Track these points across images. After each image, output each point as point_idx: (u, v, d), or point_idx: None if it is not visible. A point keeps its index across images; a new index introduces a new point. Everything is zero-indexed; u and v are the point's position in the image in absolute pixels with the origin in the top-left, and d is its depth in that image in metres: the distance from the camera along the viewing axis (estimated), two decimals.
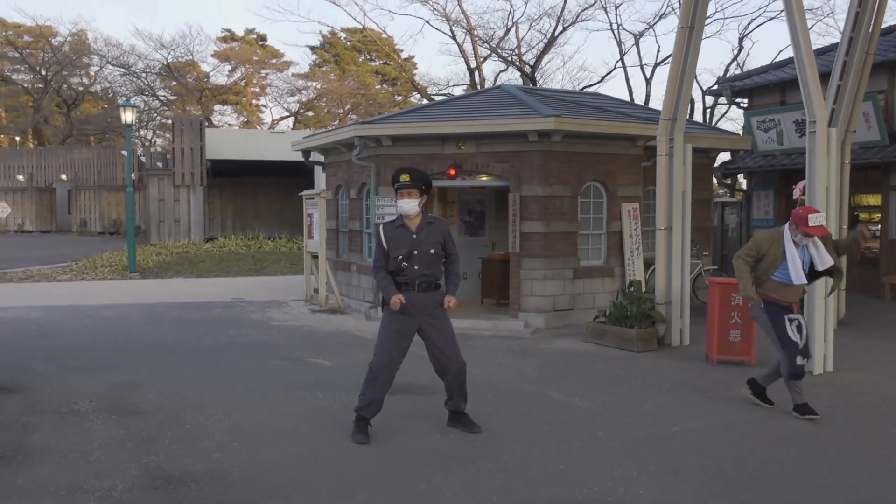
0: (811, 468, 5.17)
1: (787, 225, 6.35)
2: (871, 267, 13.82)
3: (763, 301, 6.39)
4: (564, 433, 5.88)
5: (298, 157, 15.51)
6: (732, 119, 43.61)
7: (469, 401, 5.98)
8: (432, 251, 5.69)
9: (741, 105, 17.04)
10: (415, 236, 5.66)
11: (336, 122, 42.21)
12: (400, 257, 5.61)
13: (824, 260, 6.23)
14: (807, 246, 6.26)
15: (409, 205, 5.67)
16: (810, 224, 6.11)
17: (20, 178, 36.54)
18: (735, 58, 29.69)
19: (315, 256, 13.44)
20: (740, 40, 29.31)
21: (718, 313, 8.47)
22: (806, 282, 6.29)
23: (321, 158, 14.85)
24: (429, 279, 5.67)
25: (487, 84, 30.07)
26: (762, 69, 16.99)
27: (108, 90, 46.54)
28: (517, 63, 30.86)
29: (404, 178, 5.69)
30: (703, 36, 9.66)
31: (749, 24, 29.71)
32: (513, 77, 31.77)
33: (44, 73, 44.28)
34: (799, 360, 6.24)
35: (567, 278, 11.10)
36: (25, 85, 46.15)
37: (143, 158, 33.06)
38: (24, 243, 28.32)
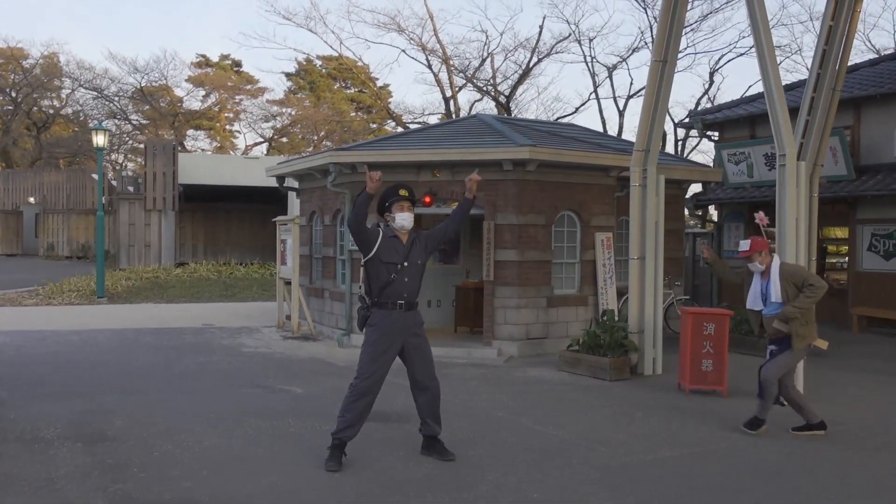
0: (788, 496, 5.19)
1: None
2: (840, 299, 14.05)
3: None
4: (539, 461, 5.85)
5: (272, 182, 15.45)
6: (703, 151, 44.53)
7: (443, 428, 5.93)
8: (419, 262, 5.71)
9: (712, 138, 17.35)
10: (406, 248, 5.65)
11: (310, 149, 42.19)
12: (394, 265, 5.54)
13: (771, 293, 6.75)
14: (768, 277, 6.75)
15: (409, 219, 5.68)
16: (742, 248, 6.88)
17: None
18: (706, 91, 30.34)
19: (288, 282, 13.34)
20: (711, 75, 29.84)
21: (691, 343, 8.53)
22: (760, 307, 6.86)
23: (295, 184, 14.81)
24: (413, 297, 5.66)
25: (462, 113, 30.31)
26: (732, 103, 17.35)
27: (80, 113, 46.13)
28: (492, 93, 31.18)
29: (404, 192, 5.68)
30: (676, 70, 9.84)
31: (720, 59, 30.47)
32: (488, 107, 32.09)
33: (14, 94, 43.78)
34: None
35: (541, 307, 11.13)
36: None
37: (114, 182, 32.71)
38: None
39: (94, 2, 67.75)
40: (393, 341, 5.60)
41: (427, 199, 11.13)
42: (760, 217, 7.39)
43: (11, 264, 30.01)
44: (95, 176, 26.53)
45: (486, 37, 40.63)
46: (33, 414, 7.06)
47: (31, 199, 35.90)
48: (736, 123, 16.18)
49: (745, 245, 6.87)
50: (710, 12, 31.23)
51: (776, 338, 6.75)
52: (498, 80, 31.15)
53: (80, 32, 67.24)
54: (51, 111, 46.35)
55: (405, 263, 5.59)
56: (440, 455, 5.80)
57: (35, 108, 45.28)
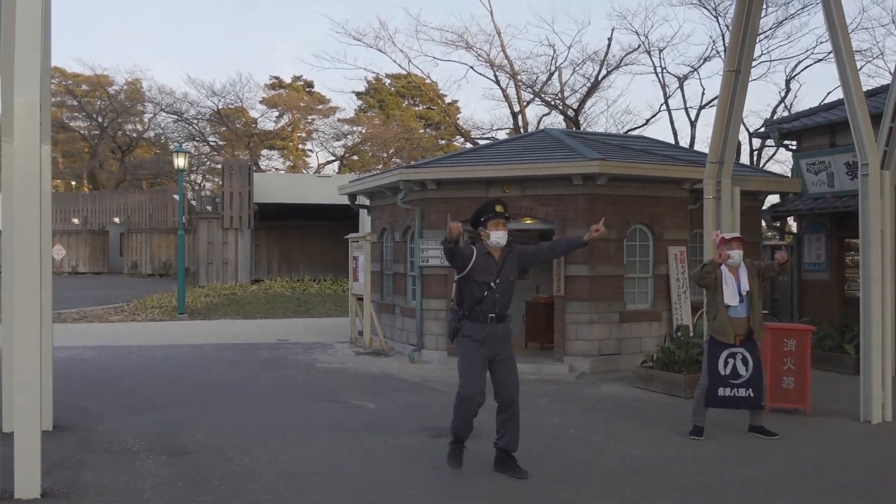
0: None
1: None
2: None
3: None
4: (612, 480, 5.76)
5: (343, 200, 15.74)
6: (780, 161, 43.15)
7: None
8: (512, 278, 5.78)
9: (790, 147, 16.82)
10: (499, 264, 5.69)
11: (380, 166, 42.78)
12: (487, 283, 5.59)
13: (742, 284, 6.93)
14: (738, 273, 6.96)
15: (505, 237, 5.73)
16: (721, 236, 7.18)
17: (75, 221, 37.70)
18: (782, 100, 29.40)
19: (360, 298, 13.54)
20: (787, 82, 28.91)
21: (770, 359, 8.26)
22: (736, 303, 6.91)
23: (367, 202, 15.05)
24: (504, 310, 5.71)
25: (531, 128, 30.24)
26: (811, 111, 16.80)
27: (161, 136, 48.02)
28: (560, 107, 31.02)
29: (500, 209, 5.73)
30: (750, 78, 9.62)
31: (796, 66, 29.32)
32: (556, 121, 31.93)
33: (100, 120, 45.93)
34: (721, 392, 6.90)
35: (613, 322, 10.98)
36: (82, 132, 47.86)
37: (193, 202, 33.88)
38: (78, 284, 29.05)
39: (174, 30, 70.65)
40: (485, 350, 5.65)
41: None
42: (716, 234, 7.59)
43: (98, 282, 31.35)
44: (176, 196, 27.53)
45: (554, 51, 40.34)
46: (120, 426, 7.36)
47: (116, 220, 37.49)
48: (815, 132, 15.66)
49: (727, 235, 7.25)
50: (786, 18, 30.31)
51: (743, 339, 6.94)
52: (566, 94, 30.99)
53: (162, 59, 70.15)
54: (134, 135, 48.41)
55: (497, 280, 5.64)
56: (513, 472, 5.77)
57: (120, 132, 47.38)
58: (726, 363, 6.91)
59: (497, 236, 5.69)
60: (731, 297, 6.94)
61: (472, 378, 5.61)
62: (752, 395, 6.91)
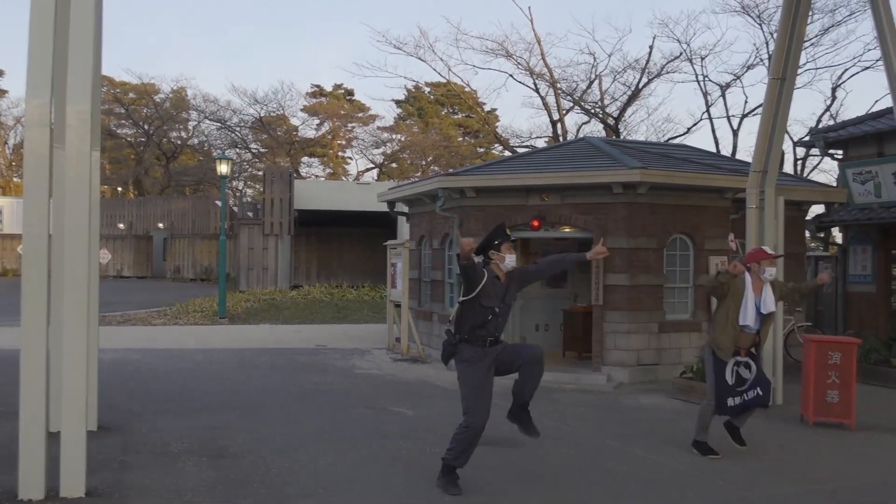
0: None
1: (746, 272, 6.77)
2: None
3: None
4: (652, 493, 5.70)
5: (382, 207, 15.86)
6: (825, 171, 42.37)
7: (551, 457, 5.86)
8: (512, 302, 5.83)
9: (835, 156, 16.49)
10: (505, 288, 5.67)
11: (419, 174, 43.02)
12: (493, 308, 5.56)
13: (767, 304, 6.66)
14: (763, 290, 6.67)
15: (514, 260, 5.76)
16: (767, 252, 6.92)
17: (121, 226, 38.56)
18: (828, 108, 28.82)
19: (397, 305, 13.61)
20: (833, 90, 28.32)
21: (814, 372, 8.10)
22: (752, 322, 6.64)
23: (405, 209, 15.13)
24: (500, 334, 5.68)
25: (570, 136, 30.12)
26: (857, 120, 16.45)
27: (204, 143, 48.95)
28: (600, 115, 30.85)
29: (510, 232, 5.81)
30: (795, 87, 9.48)
31: (842, 73, 28.75)
32: (595, 129, 31.75)
33: (146, 127, 46.98)
34: (730, 402, 6.62)
35: (652, 332, 10.87)
36: (129, 139, 49.02)
37: (234, 208, 34.40)
38: (122, 288, 29.69)
39: (219, 39, 72.00)
40: (487, 372, 5.57)
41: (535, 223, 11.13)
42: (732, 240, 7.32)
43: (142, 286, 31.99)
44: (219, 203, 28.02)
45: (594, 59, 40.08)
46: (162, 428, 7.49)
47: (160, 225, 38.26)
48: (861, 141, 15.34)
49: (770, 250, 7.09)
50: (832, 25, 29.58)
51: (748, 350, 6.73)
52: (606, 102, 30.82)
53: (206, 68, 71.52)
54: (178, 142, 49.44)
55: (501, 305, 5.62)
56: (525, 428, 5.70)
57: (165, 140, 48.42)
58: (732, 372, 6.69)
59: (511, 259, 5.71)
60: (750, 317, 6.62)
61: (480, 406, 5.51)
62: (760, 392, 6.63)
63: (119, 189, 50.89)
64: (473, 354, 5.56)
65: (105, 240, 36.45)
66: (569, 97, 30.96)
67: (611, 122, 30.27)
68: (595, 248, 5.82)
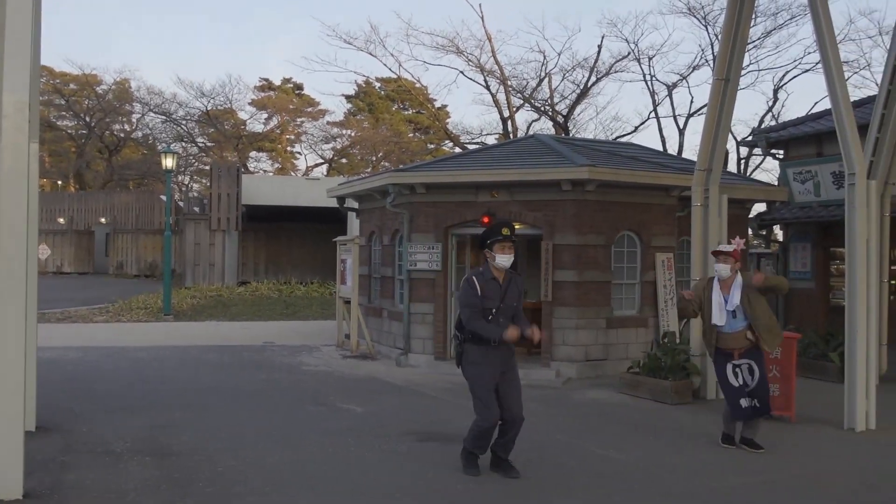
0: None
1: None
2: None
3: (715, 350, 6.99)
4: (601, 486, 5.77)
5: (332, 203, 15.71)
6: (767, 170, 43.42)
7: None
8: (515, 304, 5.75)
9: (777, 156, 16.94)
10: (503, 289, 5.66)
11: (369, 170, 42.72)
12: (492, 309, 5.58)
13: (732, 300, 6.75)
14: (731, 288, 6.78)
15: (509, 259, 5.70)
16: (716, 249, 7.07)
17: (61, 220, 37.41)
18: (770, 109, 29.67)
19: (347, 302, 13.51)
20: (775, 92, 29.17)
21: None
22: (723, 322, 6.78)
23: (355, 205, 15.03)
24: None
25: (520, 133, 30.32)
26: (798, 120, 16.93)
27: (149, 136, 47.79)
28: (550, 113, 31.13)
29: (506, 231, 5.69)
30: (739, 87, 9.69)
31: (784, 75, 29.63)
32: (545, 127, 32.04)
33: (88, 119, 45.65)
34: (743, 403, 6.72)
35: (600, 328, 11.01)
36: (69, 131, 47.56)
37: (180, 203, 33.72)
38: (63, 285, 28.81)
39: (164, 30, 70.39)
40: (493, 372, 5.64)
41: (485, 220, 11.14)
42: (738, 243, 7.22)
43: (83, 282, 31.12)
44: (163, 197, 27.44)
45: (544, 57, 40.44)
46: (104, 427, 7.30)
47: (102, 220, 37.24)
48: (802, 141, 15.79)
49: (730, 247, 7.02)
50: (774, 28, 30.43)
51: (744, 351, 6.83)
52: (556, 100, 31.12)
53: (151, 59, 69.86)
54: (122, 135, 48.15)
55: (501, 305, 5.63)
56: (505, 472, 5.81)
57: (107, 132, 47.10)
58: (735, 374, 6.80)
59: (502, 259, 5.67)
60: (717, 316, 6.79)
61: (488, 406, 5.60)
62: (757, 405, 6.76)
63: (59, 182, 49.38)
64: (479, 356, 5.63)
65: (44, 235, 35.34)
66: (519, 95, 31.18)
67: (560, 119, 30.58)
68: (533, 332, 5.71)
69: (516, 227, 11.19)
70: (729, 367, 6.81)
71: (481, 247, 5.83)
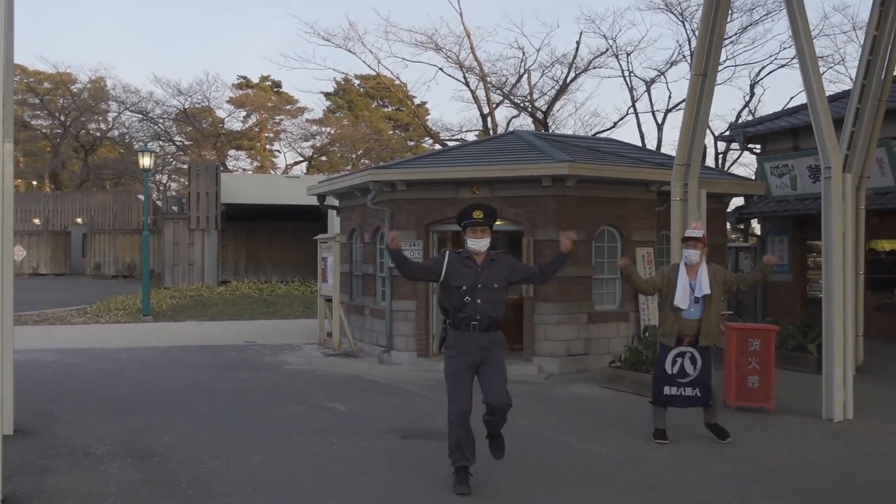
0: None
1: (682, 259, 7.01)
2: (891, 313, 13.70)
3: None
4: (584, 481, 5.80)
5: (312, 201, 15.65)
6: (745, 164, 43.85)
7: (483, 448, 5.83)
8: (496, 285, 5.50)
9: (754, 151, 17.12)
10: (479, 270, 5.47)
11: (349, 167, 42.62)
12: (464, 288, 5.39)
13: (701, 287, 6.76)
14: (698, 275, 6.81)
15: (481, 244, 5.49)
16: (687, 234, 7.06)
17: (36, 221, 36.94)
18: (747, 104, 29.91)
19: (329, 300, 13.46)
20: (752, 87, 29.41)
21: (735, 359, 8.39)
22: (686, 306, 6.78)
23: (336, 203, 14.98)
24: (491, 318, 5.47)
25: (500, 130, 30.34)
26: (774, 115, 17.11)
27: (126, 135, 47.28)
28: (529, 109, 31.18)
29: (477, 214, 5.50)
30: (716, 82, 9.77)
31: (760, 70, 29.93)
32: (525, 123, 32.08)
33: (63, 118, 45.09)
34: (666, 391, 6.86)
35: (581, 323, 11.06)
36: (44, 130, 46.95)
37: (158, 202, 33.42)
38: (39, 286, 28.47)
39: (139, 27, 69.63)
40: (469, 360, 5.46)
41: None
42: (699, 226, 7.30)
43: (60, 283, 30.77)
44: (141, 197, 27.17)
45: (523, 53, 40.72)
46: (84, 430, 7.22)
47: (79, 220, 36.82)
48: (778, 135, 15.96)
49: (699, 232, 7.01)
50: (750, 24, 30.68)
51: (692, 340, 6.85)
52: (535, 97, 31.17)
53: (126, 57, 69.08)
54: (98, 134, 47.62)
55: (479, 286, 5.42)
56: (492, 447, 5.71)
57: (83, 132, 46.56)
58: (674, 362, 6.82)
59: (473, 244, 5.50)
60: (681, 299, 6.77)
61: (457, 395, 5.44)
62: (698, 394, 6.83)
63: (34, 183, 48.73)
64: (455, 340, 5.47)
65: (19, 236, 34.88)
66: (498, 91, 31.19)
67: (540, 116, 30.64)
68: (565, 236, 5.71)
69: (498, 222, 11.20)
70: (671, 354, 6.83)
71: (460, 226, 5.73)
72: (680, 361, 6.83)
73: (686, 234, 7.15)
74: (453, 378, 5.48)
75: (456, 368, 5.48)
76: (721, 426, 7.00)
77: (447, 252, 5.62)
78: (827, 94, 10.18)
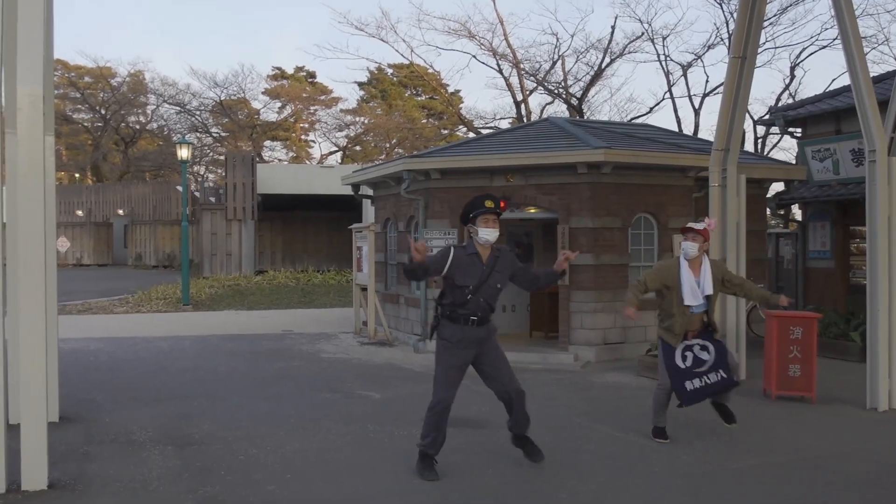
0: None
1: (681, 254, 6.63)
2: None
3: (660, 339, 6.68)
4: (619, 469, 5.76)
5: (347, 190, 15.72)
6: (785, 149, 43.04)
7: (480, 445, 5.82)
8: (499, 286, 5.47)
9: (794, 135, 16.73)
10: (485, 268, 5.39)
11: (383, 157, 42.74)
12: (470, 287, 5.31)
13: (705, 286, 6.43)
14: (702, 272, 6.46)
15: (494, 234, 5.38)
16: (689, 225, 6.64)
17: (79, 213, 37.74)
18: (787, 87, 29.27)
19: (364, 289, 13.53)
20: (792, 69, 28.74)
21: (777, 347, 8.25)
22: (698, 302, 6.43)
23: (370, 192, 15.03)
24: (487, 313, 5.45)
25: (534, 117, 30.15)
26: (816, 98, 16.69)
27: (164, 128, 48.04)
28: (564, 95, 30.91)
29: (489, 204, 5.39)
30: (755, 66, 9.55)
31: (801, 52, 29.20)
32: (559, 109, 31.83)
33: (103, 112, 45.94)
34: (689, 385, 6.41)
35: (618, 311, 10.95)
36: (85, 124, 47.89)
37: (196, 193, 33.88)
38: (82, 276, 29.12)
39: (176, 21, 70.51)
40: (464, 354, 5.43)
41: (502, 205, 11.10)
42: (710, 223, 6.85)
43: (102, 274, 31.41)
44: (179, 188, 27.55)
45: (557, 39, 40.41)
46: (126, 417, 7.37)
47: (120, 211, 37.52)
48: (820, 119, 15.58)
49: (701, 224, 6.63)
50: (790, 4, 29.99)
51: (696, 332, 6.52)
52: (569, 83, 30.88)
53: (164, 51, 70.03)
54: (137, 126, 48.43)
55: (483, 285, 5.34)
56: (529, 454, 5.72)
57: (123, 125, 47.39)
58: (684, 357, 6.44)
59: (485, 233, 5.36)
60: (691, 297, 6.40)
61: (445, 385, 5.40)
62: (723, 375, 6.41)
63: (77, 175, 49.79)
64: (451, 333, 5.40)
65: (63, 227, 35.68)
66: (532, 78, 30.97)
67: (574, 102, 30.36)
68: (559, 261, 5.55)
69: (531, 210, 11.13)
70: (679, 349, 6.46)
71: (464, 222, 5.53)
72: (690, 354, 6.45)
73: (688, 225, 6.69)
74: (445, 370, 5.43)
75: (450, 362, 5.44)
76: (730, 409, 6.62)
77: (451, 248, 5.44)
78: (871, 74, 9.91)
